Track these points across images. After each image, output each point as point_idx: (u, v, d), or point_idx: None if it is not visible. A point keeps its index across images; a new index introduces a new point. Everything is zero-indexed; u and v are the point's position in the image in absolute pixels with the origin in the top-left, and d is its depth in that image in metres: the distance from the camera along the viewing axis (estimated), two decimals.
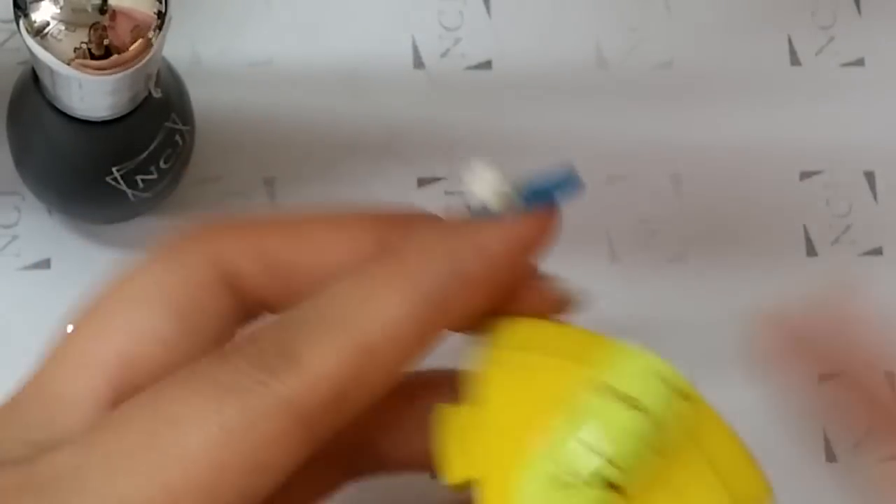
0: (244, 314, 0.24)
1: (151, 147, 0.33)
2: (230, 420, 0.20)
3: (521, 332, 0.24)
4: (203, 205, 0.40)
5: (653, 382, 0.21)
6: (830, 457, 0.41)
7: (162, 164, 0.34)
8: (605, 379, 0.21)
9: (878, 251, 0.43)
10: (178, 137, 0.34)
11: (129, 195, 0.34)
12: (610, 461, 0.21)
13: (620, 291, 0.41)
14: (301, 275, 0.24)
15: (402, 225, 0.25)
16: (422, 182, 0.41)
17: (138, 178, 0.34)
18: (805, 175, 0.44)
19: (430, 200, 0.41)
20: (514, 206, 0.23)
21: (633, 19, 0.44)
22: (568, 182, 0.24)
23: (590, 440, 0.21)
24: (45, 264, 0.38)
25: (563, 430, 0.21)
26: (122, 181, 0.34)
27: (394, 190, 0.41)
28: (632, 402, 0.21)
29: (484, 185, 0.24)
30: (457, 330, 0.23)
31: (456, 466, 0.23)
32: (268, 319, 0.23)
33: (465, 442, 0.23)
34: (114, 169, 0.33)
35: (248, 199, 0.40)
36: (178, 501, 0.20)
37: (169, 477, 0.20)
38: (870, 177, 0.44)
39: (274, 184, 0.40)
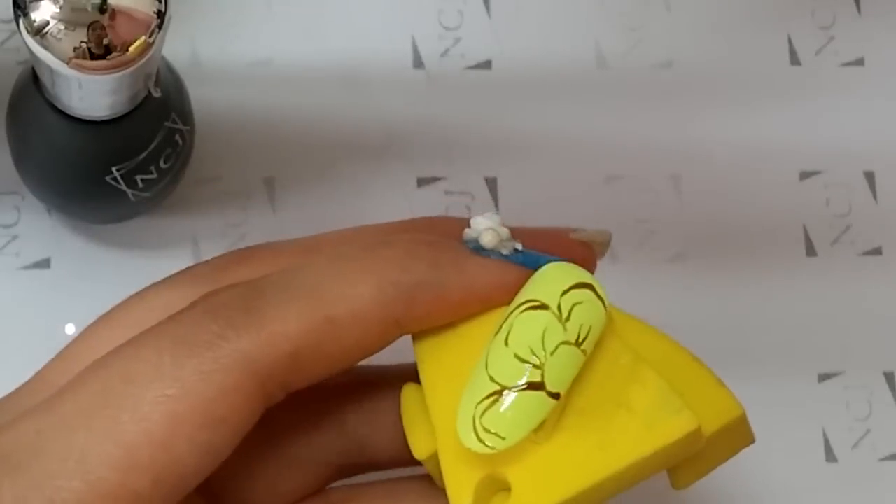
0: None
1: (151, 147, 0.33)
2: (183, 373, 0.21)
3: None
4: (203, 204, 0.40)
5: (550, 281, 0.22)
6: (830, 457, 0.41)
7: (162, 164, 0.34)
8: (519, 299, 0.23)
9: (877, 251, 0.43)
10: (177, 137, 0.34)
11: (129, 195, 0.34)
12: (531, 364, 0.21)
13: (620, 291, 0.41)
14: None
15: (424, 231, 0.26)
16: (421, 182, 0.41)
17: (138, 177, 0.34)
18: (805, 175, 0.44)
19: (430, 200, 0.41)
20: (506, 254, 0.24)
21: (633, 19, 0.44)
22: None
23: (505, 350, 0.22)
24: (44, 264, 0.38)
25: (486, 351, 0.22)
26: (121, 181, 0.34)
27: (394, 190, 0.41)
28: (532, 304, 0.22)
29: (484, 223, 0.24)
30: (418, 328, 0.24)
31: (420, 442, 0.23)
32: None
33: (426, 417, 0.23)
34: (113, 169, 0.33)
35: (248, 199, 0.40)
36: (135, 456, 0.20)
37: (125, 432, 0.20)
38: (870, 177, 0.44)
39: (274, 184, 0.40)
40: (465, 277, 0.23)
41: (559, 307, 0.22)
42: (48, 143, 0.33)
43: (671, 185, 0.43)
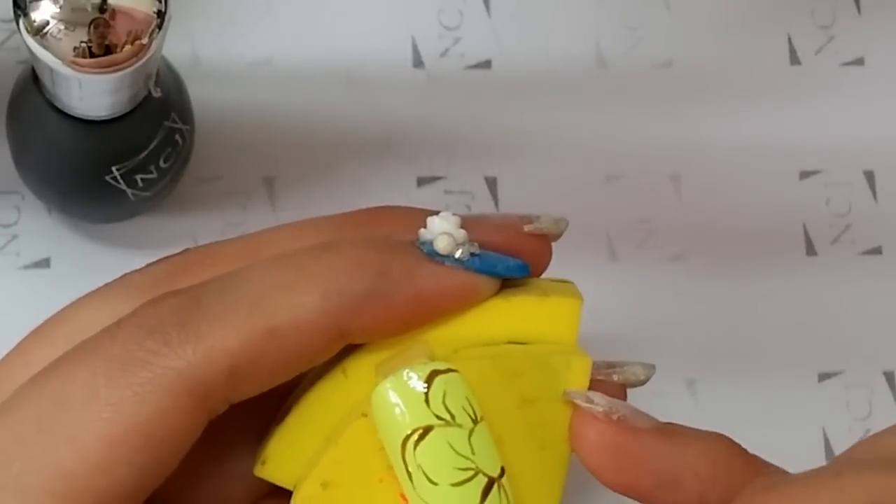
0: None
1: (151, 146, 0.33)
2: (118, 394, 0.20)
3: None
4: (203, 204, 0.40)
5: (408, 401, 0.22)
6: (830, 457, 0.41)
7: (162, 164, 0.34)
8: (399, 431, 0.22)
9: (877, 251, 0.43)
10: (177, 137, 0.34)
11: (129, 194, 0.34)
12: (470, 476, 0.21)
13: (620, 291, 0.41)
14: None
15: (365, 223, 0.25)
16: (421, 181, 0.41)
17: (138, 177, 0.34)
18: (805, 175, 0.44)
19: (430, 200, 0.41)
20: (461, 259, 0.23)
21: (633, 19, 0.44)
22: (517, 269, 0.24)
23: (437, 488, 0.21)
24: (44, 263, 0.38)
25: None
26: (121, 180, 0.34)
27: (393, 189, 0.41)
28: (418, 432, 0.21)
29: (440, 226, 0.23)
30: (365, 340, 0.23)
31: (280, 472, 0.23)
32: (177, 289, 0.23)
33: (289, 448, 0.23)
34: (113, 168, 0.33)
35: (248, 199, 0.40)
36: (74, 482, 0.20)
37: (61, 459, 0.20)
38: (870, 176, 0.44)
39: (274, 183, 0.40)
40: (414, 287, 0.22)
41: (437, 416, 0.21)
42: (48, 143, 0.33)
43: (671, 185, 0.43)
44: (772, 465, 0.23)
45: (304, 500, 0.22)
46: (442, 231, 0.23)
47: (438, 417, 0.21)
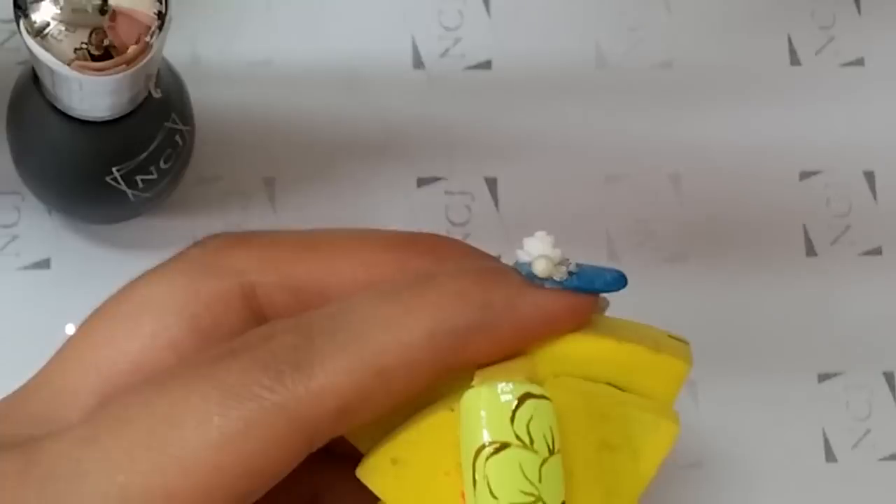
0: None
1: (151, 147, 0.33)
2: (230, 424, 0.21)
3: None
4: (203, 205, 0.40)
5: (493, 415, 0.22)
6: (830, 457, 0.41)
7: (162, 164, 0.34)
8: (473, 441, 0.22)
9: (877, 251, 0.43)
10: (178, 137, 0.34)
11: (129, 195, 0.34)
12: (531, 501, 0.21)
13: (620, 291, 0.41)
14: (320, 297, 0.24)
15: (427, 252, 0.25)
16: (421, 182, 0.41)
17: (138, 178, 0.34)
18: (805, 175, 0.44)
19: (430, 200, 0.41)
20: (560, 280, 0.23)
21: (633, 19, 0.44)
22: (615, 282, 0.24)
23: (497, 502, 0.21)
24: (44, 264, 0.38)
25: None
26: (122, 181, 0.34)
27: (394, 190, 0.41)
28: (494, 447, 0.22)
29: (536, 248, 0.23)
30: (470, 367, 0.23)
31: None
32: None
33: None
34: (114, 169, 0.33)
35: (248, 199, 0.40)
36: (175, 501, 0.20)
37: (167, 477, 0.21)
38: (870, 177, 0.44)
39: (274, 184, 0.40)
40: (517, 316, 0.23)
41: (517, 436, 0.21)
42: (48, 143, 0.33)
43: (671, 185, 0.43)
44: None
45: (371, 470, 0.23)
46: (539, 254, 0.23)
47: (518, 438, 0.21)
